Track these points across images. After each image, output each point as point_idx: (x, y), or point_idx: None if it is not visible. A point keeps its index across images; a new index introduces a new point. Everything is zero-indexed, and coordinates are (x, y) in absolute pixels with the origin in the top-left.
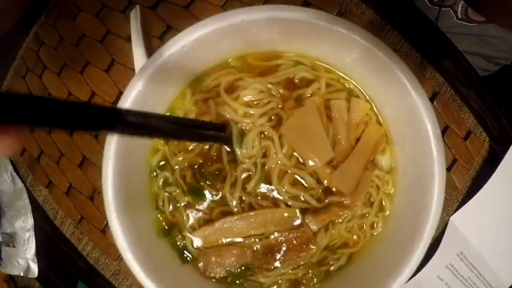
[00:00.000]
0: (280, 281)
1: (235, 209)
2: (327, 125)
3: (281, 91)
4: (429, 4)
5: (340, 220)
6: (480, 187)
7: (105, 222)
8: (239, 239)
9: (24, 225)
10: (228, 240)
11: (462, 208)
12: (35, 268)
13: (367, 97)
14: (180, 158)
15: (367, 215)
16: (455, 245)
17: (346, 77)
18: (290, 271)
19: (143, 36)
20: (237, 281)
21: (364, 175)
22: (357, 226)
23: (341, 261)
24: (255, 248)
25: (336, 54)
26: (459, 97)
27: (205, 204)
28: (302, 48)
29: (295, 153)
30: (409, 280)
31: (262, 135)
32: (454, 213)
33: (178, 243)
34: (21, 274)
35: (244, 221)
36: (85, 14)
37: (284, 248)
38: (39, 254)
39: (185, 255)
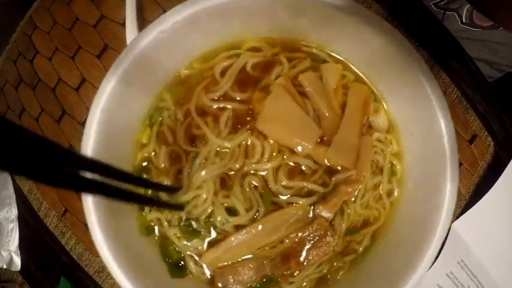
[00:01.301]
0: (305, 283)
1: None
2: (302, 102)
3: (238, 96)
4: (434, 7)
5: (353, 198)
6: (483, 193)
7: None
8: (252, 254)
9: (8, 215)
10: (241, 258)
11: (465, 215)
12: (18, 261)
13: (337, 58)
14: None
15: (380, 184)
16: (456, 253)
17: (308, 44)
18: (314, 270)
19: (138, 20)
20: None
21: (363, 141)
22: (372, 199)
23: (365, 242)
24: (272, 257)
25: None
26: (465, 99)
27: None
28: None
29: (282, 148)
30: None
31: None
32: (456, 219)
33: (175, 256)
34: (4, 266)
35: (253, 233)
36: None
37: (304, 248)
38: (22, 246)
39: (178, 268)
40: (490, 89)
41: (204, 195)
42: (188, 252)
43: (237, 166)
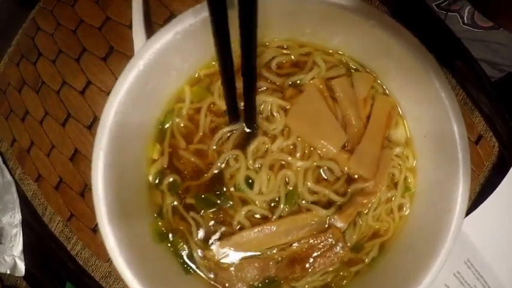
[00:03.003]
0: None
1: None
2: (333, 107)
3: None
4: (436, 8)
5: (366, 210)
6: (489, 194)
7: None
8: (260, 252)
9: (12, 220)
10: (248, 254)
11: (471, 215)
12: (21, 266)
13: (367, 69)
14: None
15: (393, 198)
16: (463, 252)
17: (339, 52)
18: (318, 277)
19: (145, 22)
20: None
21: (383, 154)
22: (384, 212)
23: (373, 253)
24: (279, 259)
25: (350, 40)
26: (471, 100)
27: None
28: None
29: (312, 149)
30: None
31: (278, 165)
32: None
33: (182, 252)
34: (8, 272)
35: (265, 232)
36: (85, 0)
37: (312, 255)
38: (27, 251)
39: (187, 265)
40: (494, 90)
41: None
42: (195, 243)
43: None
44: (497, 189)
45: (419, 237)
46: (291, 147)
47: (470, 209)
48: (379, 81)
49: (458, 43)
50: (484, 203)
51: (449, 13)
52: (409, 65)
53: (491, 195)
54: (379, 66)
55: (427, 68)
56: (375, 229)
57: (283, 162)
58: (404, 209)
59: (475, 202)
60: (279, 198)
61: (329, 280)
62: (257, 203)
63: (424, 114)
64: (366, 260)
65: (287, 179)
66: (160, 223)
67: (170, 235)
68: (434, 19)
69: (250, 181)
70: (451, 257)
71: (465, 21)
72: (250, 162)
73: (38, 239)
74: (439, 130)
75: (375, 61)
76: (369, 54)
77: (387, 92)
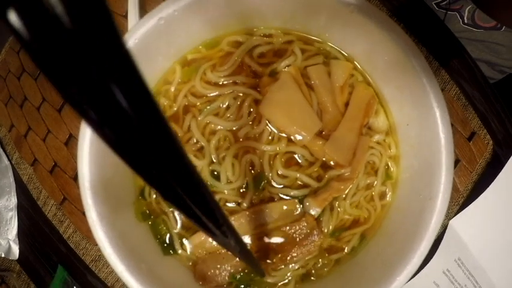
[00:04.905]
0: (290, 277)
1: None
2: (308, 94)
3: (244, 80)
4: (436, 7)
5: (344, 196)
6: (481, 191)
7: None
8: None
9: (8, 204)
10: None
11: (462, 212)
12: (16, 249)
13: (347, 56)
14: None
15: (373, 184)
16: (453, 250)
17: (320, 40)
18: (298, 266)
19: (139, 12)
20: (242, 286)
21: (360, 141)
22: (363, 199)
23: (353, 242)
24: (256, 249)
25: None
26: (464, 96)
27: None
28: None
29: (282, 134)
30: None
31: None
32: (454, 216)
33: (162, 235)
34: (2, 255)
35: (239, 221)
36: None
37: (288, 244)
38: (20, 235)
39: (166, 247)
40: (490, 88)
41: (210, 145)
42: (175, 231)
43: (242, 132)
44: (490, 186)
45: (401, 227)
46: (257, 134)
47: (462, 207)
48: (360, 69)
49: (455, 40)
50: (476, 200)
51: (448, 12)
52: (390, 52)
53: (484, 192)
54: (361, 54)
55: (408, 54)
56: (355, 217)
57: (248, 149)
58: (386, 197)
59: (467, 199)
60: (247, 183)
61: (310, 268)
62: (226, 192)
63: (407, 102)
64: (346, 249)
65: (252, 163)
66: (143, 204)
67: (152, 216)
68: (431, 17)
69: (215, 173)
70: (441, 255)
71: (465, 21)
72: (214, 156)
73: (32, 223)
74: (422, 118)
75: (357, 49)
76: (350, 42)
77: (370, 79)
